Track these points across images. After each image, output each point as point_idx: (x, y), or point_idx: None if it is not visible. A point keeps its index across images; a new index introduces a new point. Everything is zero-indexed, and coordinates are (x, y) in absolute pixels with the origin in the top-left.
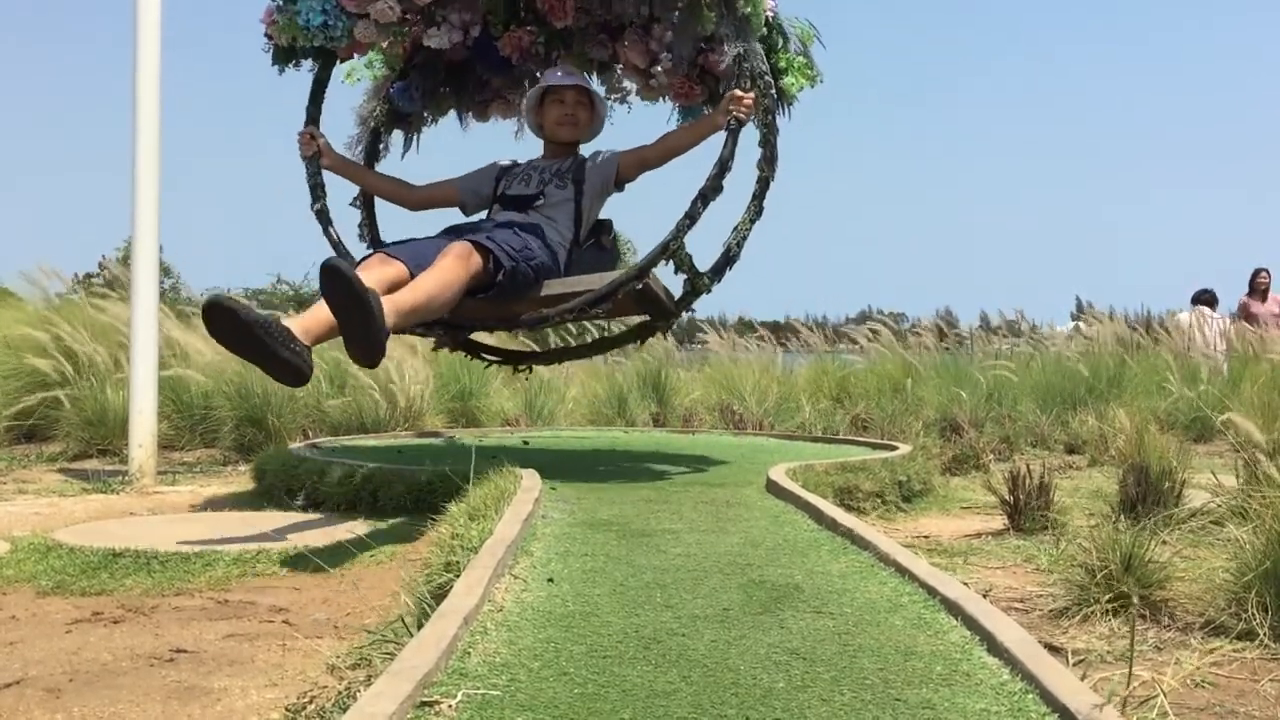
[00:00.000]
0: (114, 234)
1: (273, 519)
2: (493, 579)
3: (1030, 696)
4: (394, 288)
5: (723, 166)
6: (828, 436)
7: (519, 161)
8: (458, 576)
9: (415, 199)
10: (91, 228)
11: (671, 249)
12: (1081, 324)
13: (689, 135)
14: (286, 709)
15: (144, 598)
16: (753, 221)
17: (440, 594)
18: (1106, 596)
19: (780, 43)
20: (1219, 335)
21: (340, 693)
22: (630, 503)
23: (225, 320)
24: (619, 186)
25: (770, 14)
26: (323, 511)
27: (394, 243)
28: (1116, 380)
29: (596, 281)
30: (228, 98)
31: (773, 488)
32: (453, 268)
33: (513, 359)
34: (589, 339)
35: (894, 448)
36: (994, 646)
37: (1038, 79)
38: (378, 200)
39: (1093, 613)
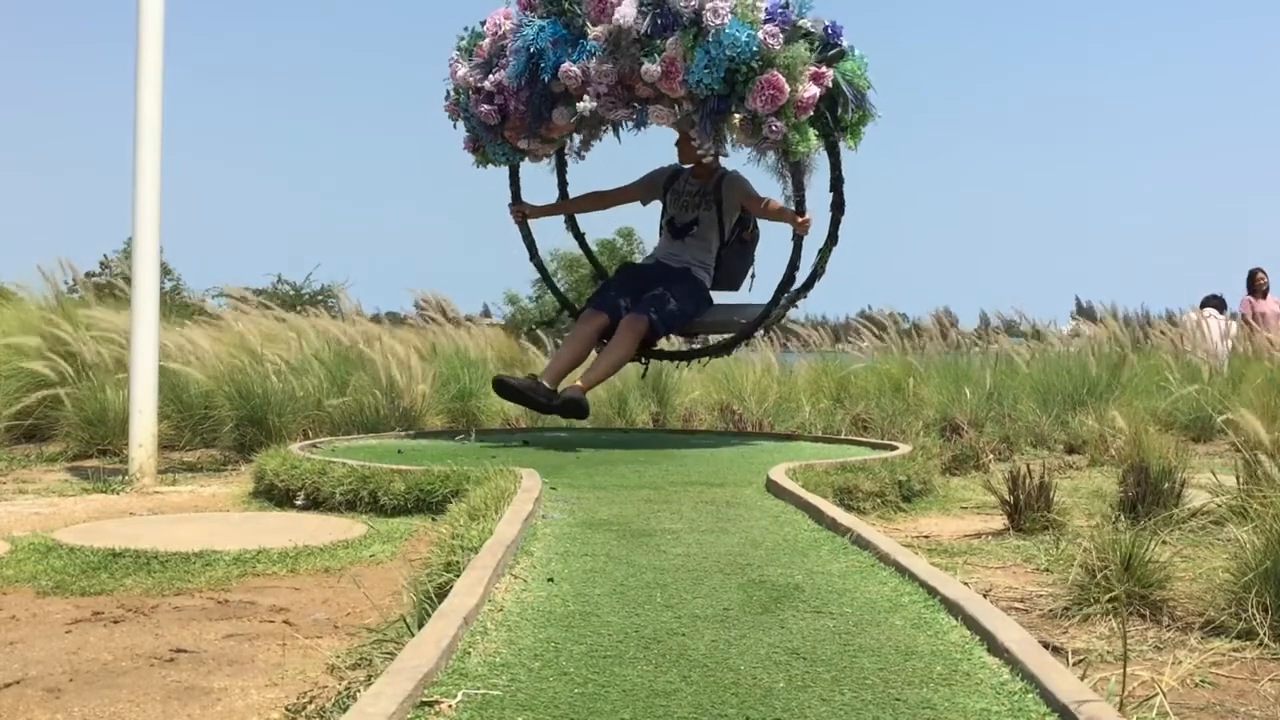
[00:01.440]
0: (114, 234)
1: (273, 519)
2: (493, 579)
3: (1030, 696)
4: (603, 333)
5: (811, 273)
6: (828, 436)
7: (681, 169)
8: (458, 576)
9: (608, 204)
10: (91, 228)
11: (777, 314)
12: (1081, 324)
13: (772, 214)
14: (286, 709)
15: (144, 598)
16: (830, 248)
17: (440, 594)
18: (1106, 596)
19: (841, 103)
20: (1220, 336)
21: (340, 692)
22: (630, 503)
23: (505, 389)
24: (747, 227)
25: (829, 85)
26: (323, 511)
27: (594, 295)
28: (1116, 380)
29: (730, 322)
30: (228, 97)
31: (773, 488)
32: (628, 341)
33: (664, 356)
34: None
35: (894, 448)
36: (994, 646)
37: (1038, 79)
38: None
39: (1093, 612)
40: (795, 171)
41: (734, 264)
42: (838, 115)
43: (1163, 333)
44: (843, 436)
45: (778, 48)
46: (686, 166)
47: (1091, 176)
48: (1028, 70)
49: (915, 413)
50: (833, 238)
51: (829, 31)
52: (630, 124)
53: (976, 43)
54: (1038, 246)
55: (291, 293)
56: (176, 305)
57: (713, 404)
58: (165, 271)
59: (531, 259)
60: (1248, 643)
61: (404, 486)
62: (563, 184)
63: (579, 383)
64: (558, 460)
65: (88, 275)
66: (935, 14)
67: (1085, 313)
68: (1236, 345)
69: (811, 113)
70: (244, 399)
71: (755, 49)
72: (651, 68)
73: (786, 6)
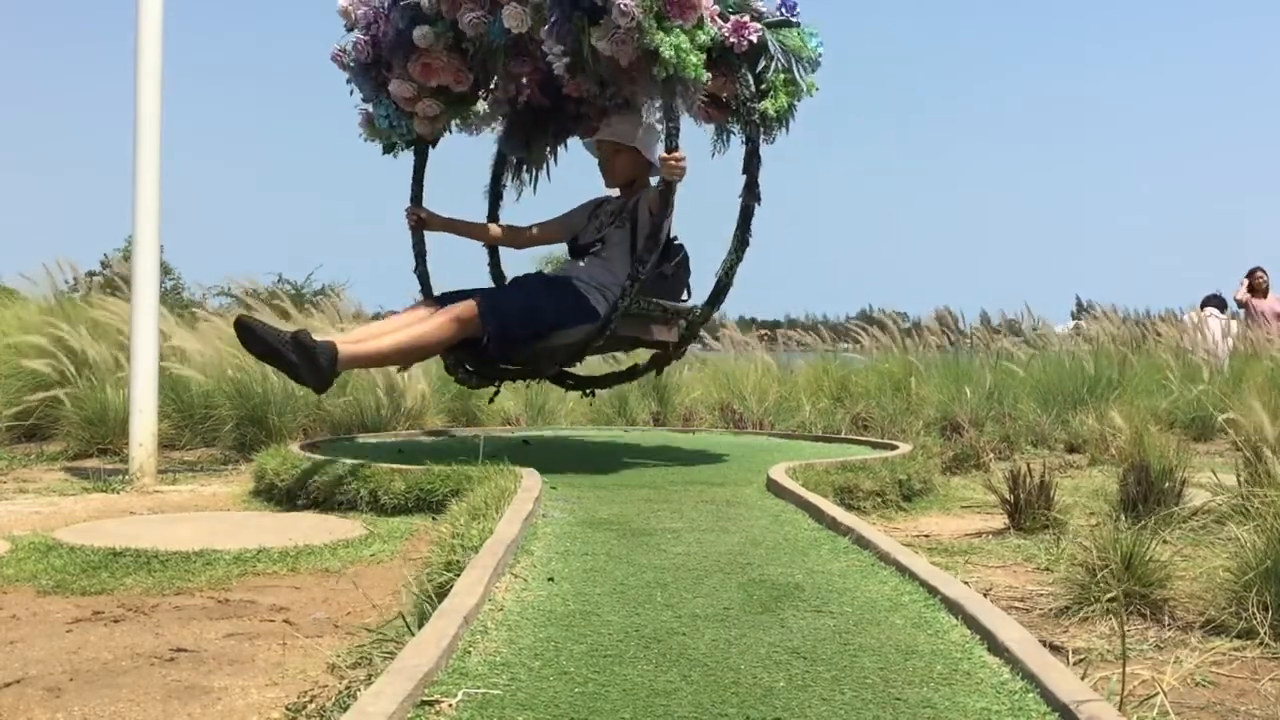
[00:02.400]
0: (114, 233)
1: (273, 519)
2: (493, 578)
3: (1031, 695)
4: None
5: (654, 229)
6: (828, 436)
7: (609, 197)
8: (458, 575)
9: (523, 242)
10: (92, 227)
11: (610, 317)
12: (1082, 323)
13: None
14: (287, 708)
15: (144, 597)
16: (739, 251)
17: (441, 593)
18: (1107, 596)
19: (765, 64)
20: (1221, 335)
21: (340, 692)
22: (630, 502)
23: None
24: (657, 221)
25: (755, 38)
26: (323, 511)
27: (445, 294)
28: (1117, 379)
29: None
30: (228, 97)
31: (773, 487)
32: (436, 324)
33: (558, 382)
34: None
35: (894, 447)
36: (994, 645)
37: (1038, 78)
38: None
39: (1093, 612)
40: (666, 91)
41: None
42: (759, 73)
43: (1159, 334)
44: (843, 436)
45: None
46: (613, 194)
47: (1092, 176)
48: (1026, 70)
49: (915, 412)
50: (740, 234)
51: (783, 8)
52: (486, 24)
53: (976, 43)
54: (1038, 246)
55: (292, 292)
56: (177, 305)
57: (713, 403)
58: (166, 271)
59: (415, 270)
60: (1248, 642)
61: (404, 486)
62: (496, 192)
63: (342, 342)
64: (558, 460)
65: (88, 275)
66: (934, 13)
67: (1085, 312)
68: (1238, 344)
69: (697, 21)
70: (244, 398)
71: None
72: None
73: None
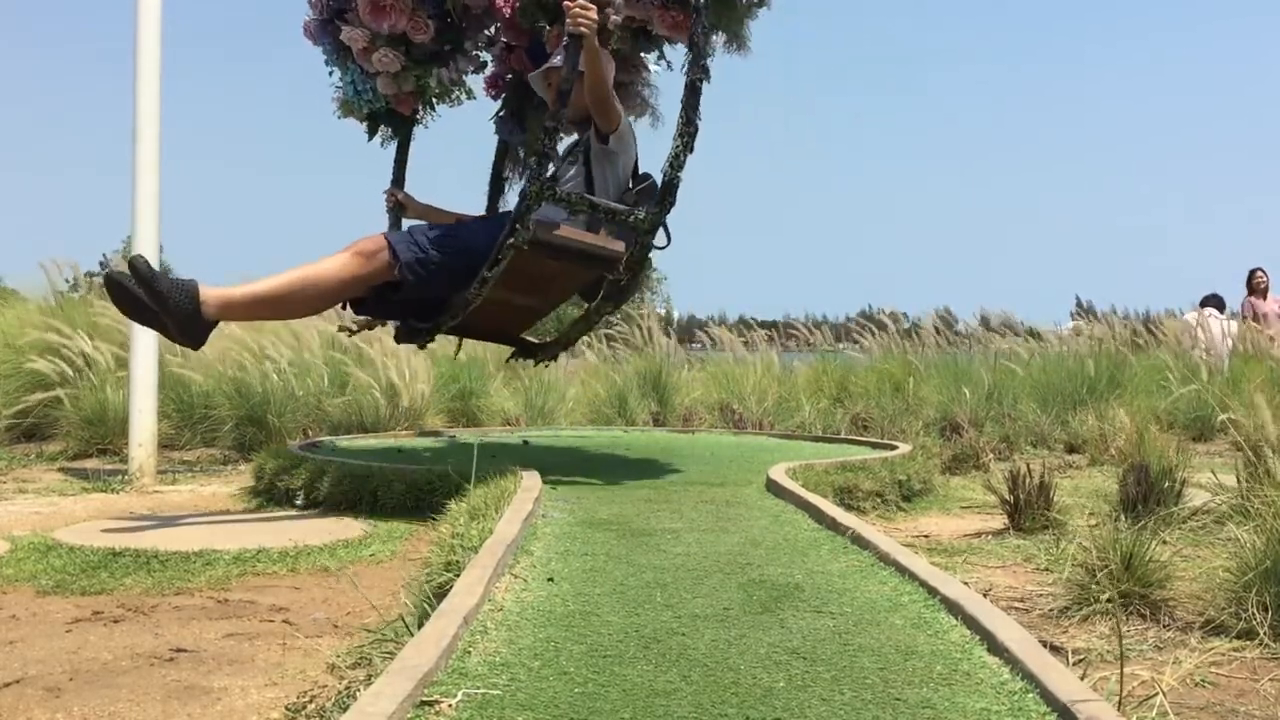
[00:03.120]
0: (114, 234)
1: (273, 519)
2: (493, 578)
3: (1030, 696)
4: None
5: (558, 92)
6: (828, 436)
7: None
8: (458, 576)
9: None
10: (91, 228)
11: (528, 203)
12: (1082, 323)
13: (584, 61)
14: (286, 708)
15: (144, 597)
16: (686, 139)
17: (440, 593)
18: (1106, 596)
19: None
20: (1221, 336)
21: (340, 692)
22: (630, 502)
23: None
24: (604, 141)
25: None
26: (323, 511)
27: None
28: (1116, 380)
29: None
30: (230, 96)
31: (773, 487)
32: (339, 261)
33: (520, 351)
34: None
35: (894, 447)
36: (994, 646)
37: (1038, 78)
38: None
39: (1093, 612)
40: None
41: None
42: None
43: (1153, 333)
44: (843, 436)
45: None
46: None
47: (1091, 176)
48: (1026, 70)
49: (915, 412)
50: (687, 115)
51: None
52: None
53: (976, 42)
54: (1038, 246)
55: None
56: None
57: (713, 404)
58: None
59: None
60: (1248, 642)
61: (404, 486)
62: (498, 182)
63: (207, 286)
64: (558, 460)
65: (88, 275)
66: (934, 13)
67: (1085, 313)
68: (1238, 345)
69: None
70: (244, 398)
71: None
72: None
73: None
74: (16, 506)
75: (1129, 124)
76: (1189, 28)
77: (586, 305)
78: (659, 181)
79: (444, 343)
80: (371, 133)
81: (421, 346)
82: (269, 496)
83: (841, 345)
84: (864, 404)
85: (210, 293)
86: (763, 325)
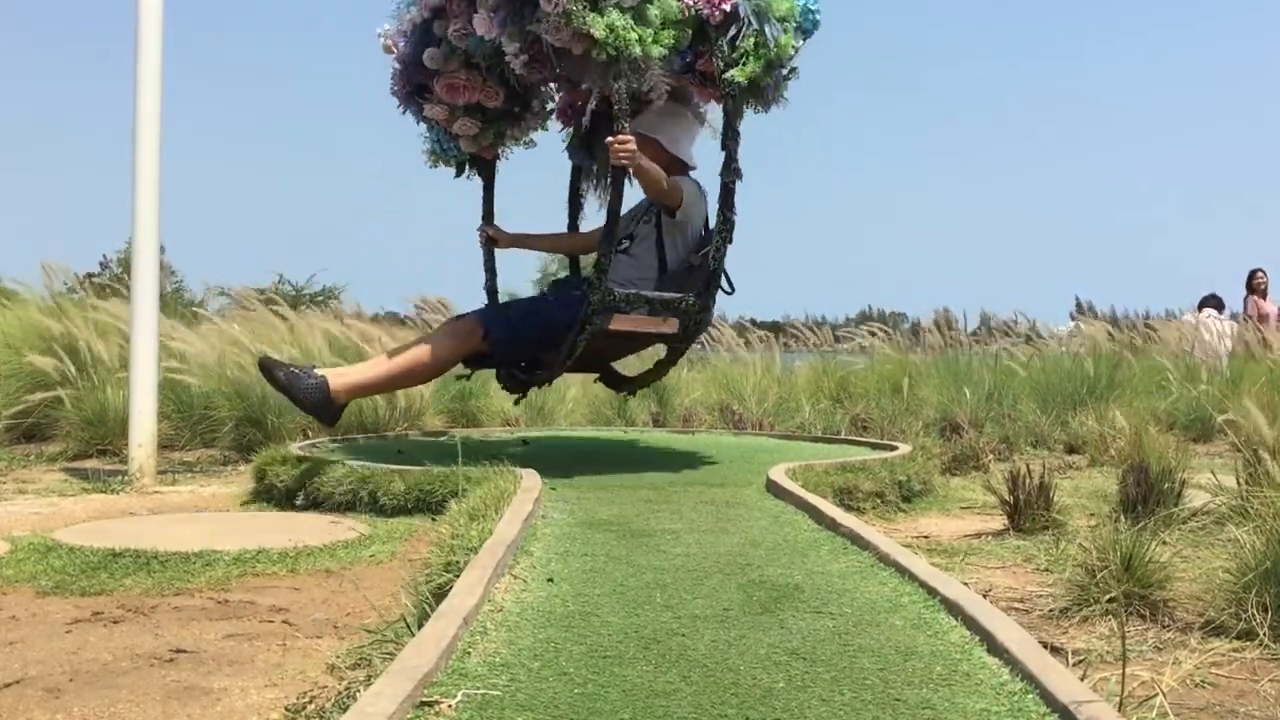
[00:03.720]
0: (116, 233)
1: (273, 519)
2: (493, 579)
3: (1030, 696)
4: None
5: (610, 213)
6: (828, 436)
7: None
8: (458, 576)
9: (582, 245)
10: (93, 227)
11: (592, 309)
12: (1081, 324)
13: (635, 176)
14: (286, 709)
15: (144, 598)
16: (725, 233)
17: (440, 594)
18: (1106, 596)
19: (736, 31)
20: (1220, 336)
21: (340, 692)
22: (630, 503)
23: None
24: (671, 215)
25: (727, 7)
26: (323, 511)
27: (476, 310)
28: (1116, 380)
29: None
30: (229, 95)
31: (773, 488)
32: (439, 344)
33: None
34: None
35: (894, 448)
36: (994, 646)
37: (1038, 77)
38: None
39: (1093, 613)
40: (610, 72)
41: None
42: (731, 40)
43: (1152, 332)
44: (843, 436)
45: None
46: None
47: (1092, 176)
48: (1026, 68)
49: (915, 413)
50: (724, 214)
51: None
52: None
53: (976, 41)
54: (1038, 246)
55: (293, 293)
56: (178, 305)
57: (713, 404)
58: (169, 272)
59: (485, 285)
60: (1248, 643)
61: (404, 486)
62: (575, 201)
63: (334, 377)
64: (558, 460)
65: (88, 275)
66: (934, 12)
67: (1085, 312)
68: (1237, 346)
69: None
70: (243, 399)
71: None
72: None
73: None
74: (16, 507)
75: (1129, 122)
76: (1190, 25)
77: (658, 361)
78: (709, 274)
79: None
80: (459, 173)
81: (521, 396)
82: (269, 497)
83: (841, 345)
84: (864, 404)
85: (338, 384)
86: (762, 325)
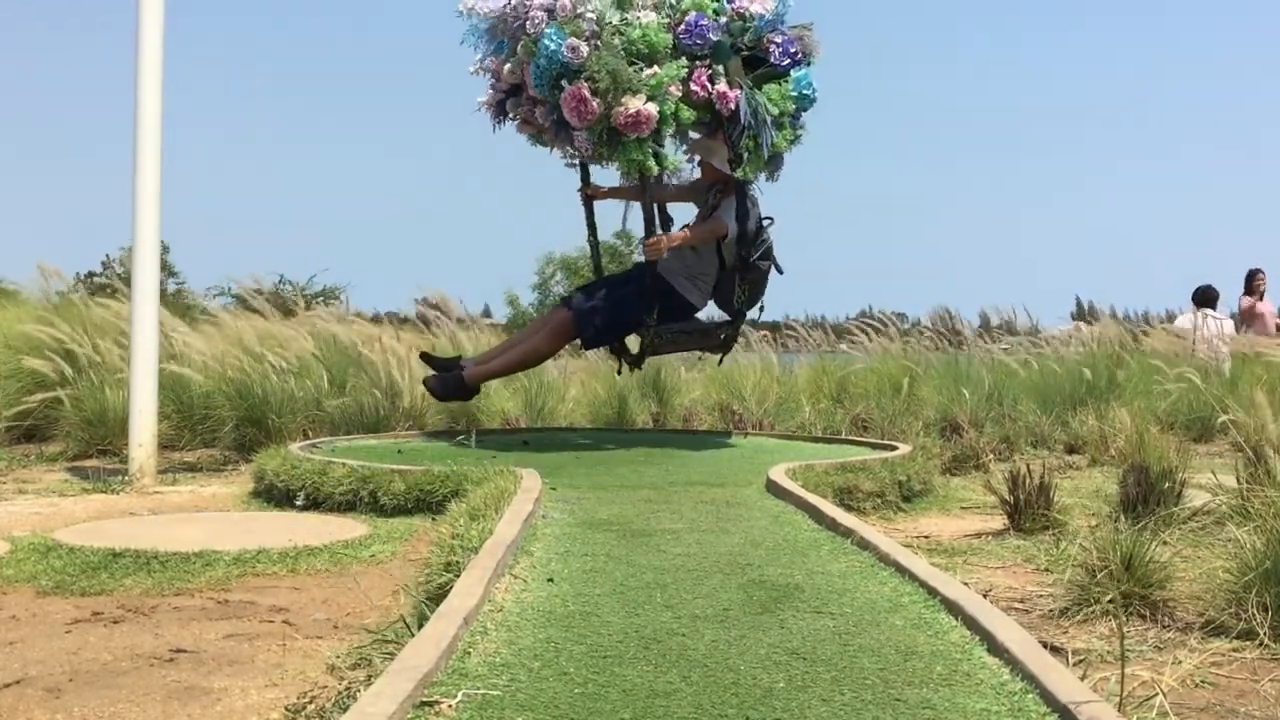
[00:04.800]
0: (117, 234)
1: (273, 519)
2: (493, 579)
3: (1030, 696)
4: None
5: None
6: (828, 436)
7: (714, 187)
8: (458, 576)
9: (668, 196)
10: (94, 227)
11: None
12: (1082, 324)
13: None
14: (286, 708)
15: (144, 598)
16: (749, 295)
17: (440, 594)
18: (1106, 596)
19: (736, 127)
20: (1219, 336)
21: (340, 692)
22: (630, 503)
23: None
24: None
25: (732, 107)
26: (323, 511)
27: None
28: (1116, 380)
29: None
30: (230, 94)
31: (773, 488)
32: (544, 341)
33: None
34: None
35: (894, 448)
36: (994, 646)
37: (1038, 77)
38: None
39: (1093, 612)
40: (642, 188)
41: (728, 284)
42: (729, 135)
43: (1148, 334)
44: (843, 436)
45: (579, 58)
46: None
47: (1092, 175)
48: (1025, 68)
49: (915, 413)
50: (746, 284)
51: (778, 50)
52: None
53: (976, 40)
54: (1038, 246)
55: (294, 293)
56: (180, 305)
57: (713, 404)
58: (171, 273)
59: (589, 238)
60: (1248, 643)
61: (404, 486)
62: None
63: (472, 365)
64: (558, 460)
65: (89, 275)
66: (934, 11)
67: (1085, 313)
68: (1235, 349)
69: (647, 131)
70: (244, 399)
71: (560, 58)
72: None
73: (721, 14)
74: (16, 507)
75: (1129, 121)
76: (1191, 23)
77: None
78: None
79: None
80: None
81: (636, 366)
82: (269, 497)
83: (841, 346)
84: (864, 405)
85: (471, 372)
86: (762, 326)
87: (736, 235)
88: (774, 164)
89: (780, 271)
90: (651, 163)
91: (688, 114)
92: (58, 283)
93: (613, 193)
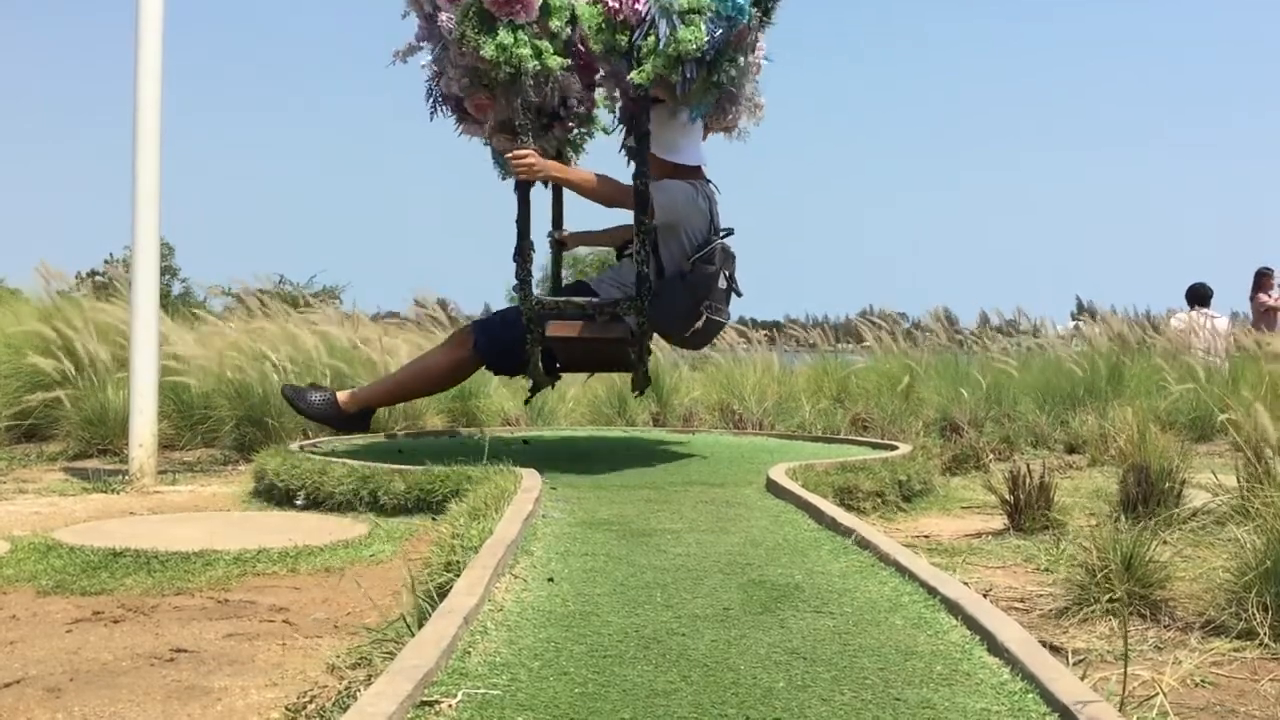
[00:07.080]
0: (117, 233)
1: (273, 519)
2: (493, 578)
3: (1030, 696)
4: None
5: (518, 224)
6: (828, 436)
7: None
8: (458, 576)
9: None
10: (95, 227)
11: (529, 322)
12: (1082, 324)
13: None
14: (287, 709)
15: (144, 597)
16: (641, 238)
17: (441, 593)
18: (1106, 596)
19: (643, 30)
20: (1215, 335)
21: (340, 692)
22: (630, 502)
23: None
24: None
25: (641, 7)
26: (323, 511)
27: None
28: (1116, 380)
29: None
30: (231, 94)
31: (773, 487)
32: (440, 352)
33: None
34: None
35: (894, 447)
36: (994, 646)
37: (1037, 77)
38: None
39: (1093, 612)
40: (513, 90)
41: (667, 301)
42: (633, 42)
43: (1148, 335)
44: (843, 436)
45: None
46: None
47: (1092, 175)
48: (1025, 67)
49: (915, 413)
50: (639, 227)
51: None
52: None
53: (975, 40)
54: (1038, 246)
55: (294, 293)
56: (187, 311)
57: (713, 404)
58: (173, 273)
59: (552, 280)
60: (1248, 643)
61: (404, 486)
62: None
63: (350, 394)
64: (558, 460)
65: (90, 274)
66: (932, 10)
67: (1085, 312)
68: (1233, 346)
69: (524, 17)
70: (244, 399)
71: None
72: None
73: None
74: (16, 506)
75: (1129, 120)
76: (1190, 23)
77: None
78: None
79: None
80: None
81: (549, 387)
82: (269, 497)
83: (841, 345)
84: (864, 404)
85: (343, 397)
86: (762, 325)
87: (680, 234)
88: (722, 102)
89: (739, 294)
90: (527, 51)
91: (586, 10)
92: (58, 283)
93: (581, 239)
